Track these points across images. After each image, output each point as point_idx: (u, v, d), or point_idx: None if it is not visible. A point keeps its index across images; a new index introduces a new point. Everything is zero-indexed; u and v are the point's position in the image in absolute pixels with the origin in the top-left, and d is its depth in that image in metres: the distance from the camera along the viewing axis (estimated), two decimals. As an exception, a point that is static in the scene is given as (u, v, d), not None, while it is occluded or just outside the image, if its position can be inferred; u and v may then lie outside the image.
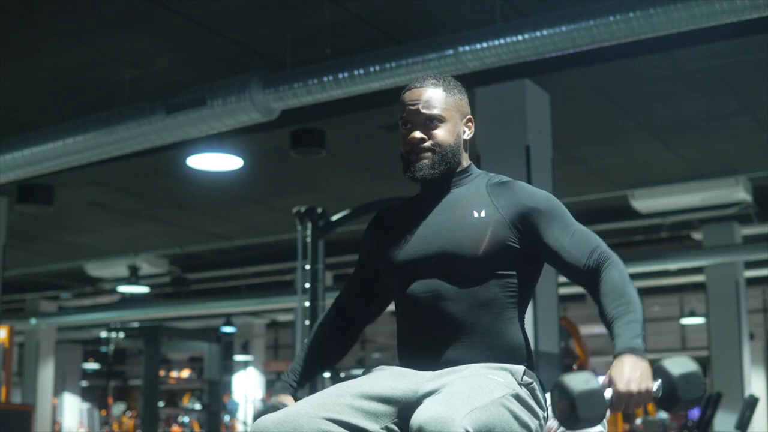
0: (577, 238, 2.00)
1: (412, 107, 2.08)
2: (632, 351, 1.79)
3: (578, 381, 1.74)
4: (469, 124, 2.14)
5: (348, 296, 2.28)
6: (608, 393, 1.77)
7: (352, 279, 2.29)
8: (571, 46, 4.90)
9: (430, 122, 2.07)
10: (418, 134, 2.07)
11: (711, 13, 4.49)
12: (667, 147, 8.43)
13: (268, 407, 2.06)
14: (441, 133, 2.07)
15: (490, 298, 2.01)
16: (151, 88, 6.38)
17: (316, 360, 2.24)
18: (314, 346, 2.25)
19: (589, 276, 1.96)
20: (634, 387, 1.75)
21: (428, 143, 2.07)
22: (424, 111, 2.06)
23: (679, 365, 1.80)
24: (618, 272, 1.92)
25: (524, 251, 2.03)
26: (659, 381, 1.80)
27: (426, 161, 2.07)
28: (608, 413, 2.14)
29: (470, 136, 2.15)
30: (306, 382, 2.22)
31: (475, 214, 2.04)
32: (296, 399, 2.15)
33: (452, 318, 2.01)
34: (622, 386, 1.75)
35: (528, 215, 2.02)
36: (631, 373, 1.75)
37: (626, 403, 1.76)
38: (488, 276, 2.02)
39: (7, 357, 9.48)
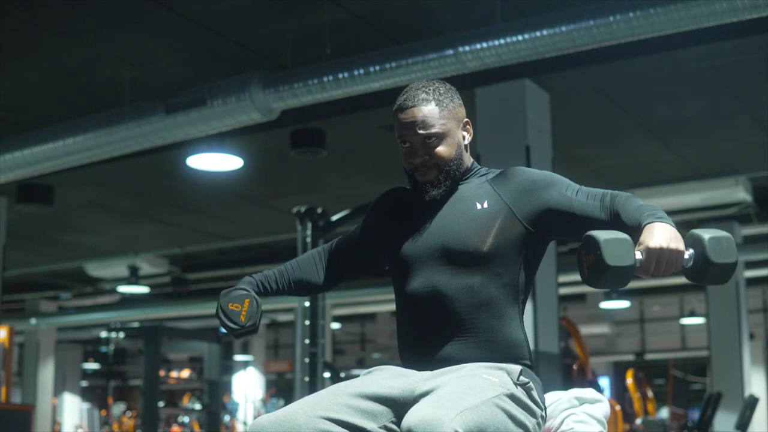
0: (584, 192, 2.00)
1: (408, 129, 2.06)
2: (661, 220, 1.82)
3: (604, 232, 1.77)
4: (468, 127, 2.14)
5: (331, 252, 2.28)
6: (638, 254, 1.77)
7: (340, 242, 2.29)
8: (571, 46, 4.90)
9: (429, 140, 2.05)
10: (419, 158, 2.06)
11: (711, 13, 4.49)
12: (667, 147, 8.42)
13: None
14: (442, 150, 2.06)
15: (489, 296, 2.02)
16: (151, 88, 6.38)
17: (284, 279, 2.24)
18: (290, 270, 2.26)
19: (607, 215, 1.94)
20: (664, 243, 1.77)
21: (431, 162, 2.06)
22: (421, 132, 2.05)
23: (710, 231, 1.81)
24: (636, 200, 1.92)
25: (530, 239, 2.03)
26: (691, 250, 1.80)
27: (431, 180, 2.07)
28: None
29: (470, 138, 2.14)
30: (268, 292, 2.21)
31: (479, 206, 2.05)
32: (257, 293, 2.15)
33: (451, 315, 2.01)
34: (653, 243, 1.77)
35: (532, 192, 2.03)
36: (662, 234, 1.78)
37: (657, 261, 1.78)
38: (488, 273, 2.02)
39: (7, 357, 9.48)
